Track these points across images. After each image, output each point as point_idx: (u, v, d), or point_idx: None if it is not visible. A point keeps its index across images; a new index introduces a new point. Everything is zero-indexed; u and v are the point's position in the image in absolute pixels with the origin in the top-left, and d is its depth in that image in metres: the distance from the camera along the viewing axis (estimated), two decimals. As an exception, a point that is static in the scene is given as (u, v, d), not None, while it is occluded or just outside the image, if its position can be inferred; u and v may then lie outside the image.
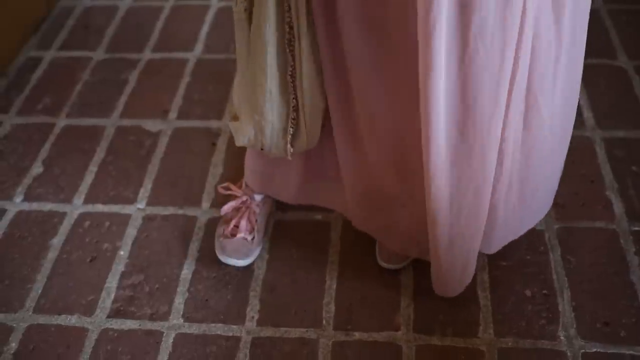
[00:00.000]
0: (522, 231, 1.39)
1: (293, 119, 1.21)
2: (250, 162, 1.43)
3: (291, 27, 1.10)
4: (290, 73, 1.15)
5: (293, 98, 1.19)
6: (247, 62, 1.19)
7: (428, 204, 1.14)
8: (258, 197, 1.47)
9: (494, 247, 1.35)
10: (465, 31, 0.98)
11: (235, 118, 1.31)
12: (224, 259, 1.41)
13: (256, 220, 1.45)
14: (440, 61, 0.98)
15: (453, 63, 1.00)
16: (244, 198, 1.45)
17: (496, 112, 1.05)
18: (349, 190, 1.35)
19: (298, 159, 1.35)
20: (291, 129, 1.22)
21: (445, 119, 1.05)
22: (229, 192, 1.48)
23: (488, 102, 1.04)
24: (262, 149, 1.27)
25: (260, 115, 1.20)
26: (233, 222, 1.43)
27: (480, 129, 1.06)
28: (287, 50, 1.13)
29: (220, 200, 1.55)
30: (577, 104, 1.29)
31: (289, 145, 1.24)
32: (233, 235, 1.42)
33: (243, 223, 1.43)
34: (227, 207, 1.46)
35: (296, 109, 1.20)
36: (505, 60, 1.01)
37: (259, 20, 1.10)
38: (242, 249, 1.41)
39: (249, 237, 1.42)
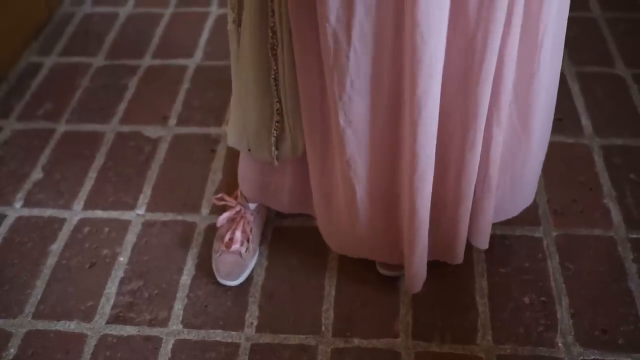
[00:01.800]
0: (510, 215, 1.42)
1: (277, 122, 1.22)
2: (243, 171, 1.44)
3: (274, 32, 1.11)
4: (273, 77, 1.17)
5: (277, 102, 1.20)
6: (236, 67, 1.21)
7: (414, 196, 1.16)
8: (252, 206, 1.47)
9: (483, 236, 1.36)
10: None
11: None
12: (219, 280, 1.42)
13: (251, 230, 1.45)
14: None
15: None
16: (238, 208, 1.46)
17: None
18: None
19: (290, 168, 1.35)
20: (275, 132, 1.23)
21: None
22: (223, 202, 1.49)
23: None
24: (249, 150, 1.28)
25: (245, 117, 1.22)
26: (228, 235, 1.43)
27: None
28: (270, 54, 1.14)
29: (219, 207, 1.56)
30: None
31: (273, 148, 1.25)
32: (228, 247, 1.42)
33: (238, 234, 1.43)
34: (221, 219, 1.46)
35: (280, 113, 1.21)
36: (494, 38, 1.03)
37: (245, 24, 1.12)
38: (235, 269, 1.42)
39: (244, 249, 1.43)
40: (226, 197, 1.49)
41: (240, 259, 1.42)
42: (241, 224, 1.44)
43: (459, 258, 1.36)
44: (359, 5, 0.98)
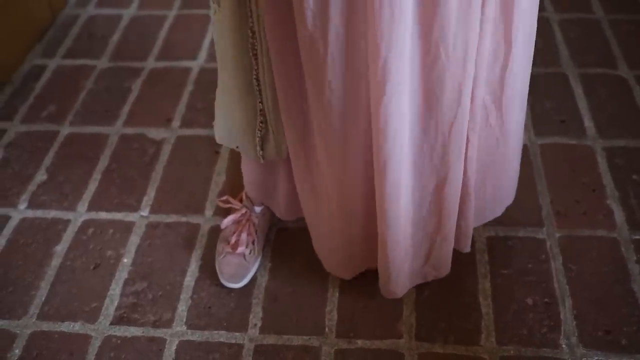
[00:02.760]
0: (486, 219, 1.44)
1: (261, 122, 1.22)
2: (244, 170, 1.45)
3: (254, 32, 1.11)
4: (255, 77, 1.17)
5: (259, 102, 1.20)
6: (218, 60, 1.21)
7: (383, 205, 1.16)
8: (257, 209, 1.47)
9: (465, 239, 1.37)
10: (428, 37, 1.00)
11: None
12: (223, 282, 1.42)
13: (256, 232, 1.45)
14: (404, 67, 1.00)
15: (416, 67, 1.03)
16: (244, 211, 1.46)
17: (459, 112, 1.08)
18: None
19: (282, 170, 1.35)
20: (259, 132, 1.23)
21: (410, 119, 1.08)
22: (228, 205, 1.49)
23: (450, 103, 1.07)
24: (237, 147, 1.29)
25: (231, 117, 1.23)
26: (234, 237, 1.43)
27: (442, 128, 1.10)
28: (251, 54, 1.14)
29: (222, 209, 1.56)
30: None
31: (258, 148, 1.25)
32: (234, 249, 1.42)
33: (244, 236, 1.43)
34: (227, 221, 1.46)
35: (263, 113, 1.21)
36: (467, 61, 1.04)
37: (224, 23, 1.12)
38: (239, 272, 1.42)
39: (248, 251, 1.43)
40: (231, 200, 1.49)
41: (244, 261, 1.42)
42: (247, 226, 1.44)
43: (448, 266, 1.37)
44: (333, 8, 0.97)
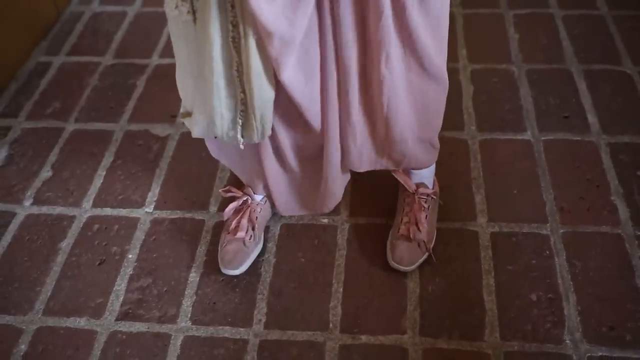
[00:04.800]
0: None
1: (242, 111, 1.23)
2: (232, 165, 1.47)
3: (234, 26, 1.12)
4: (236, 68, 1.17)
5: (240, 92, 1.21)
6: (190, 58, 1.21)
7: None
8: (258, 198, 1.49)
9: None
10: None
11: (186, 115, 1.32)
12: (223, 269, 1.43)
13: (257, 219, 1.47)
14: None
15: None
16: (245, 198, 1.48)
17: None
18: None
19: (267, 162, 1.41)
20: (240, 120, 1.25)
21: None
22: (230, 194, 1.51)
23: None
24: (215, 137, 1.30)
25: (210, 107, 1.23)
26: (234, 223, 1.45)
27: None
28: (232, 47, 1.15)
29: (226, 204, 1.57)
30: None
31: (239, 135, 1.27)
32: (233, 234, 1.44)
33: (244, 222, 1.45)
34: (228, 210, 1.48)
35: (244, 102, 1.22)
36: None
37: (203, 19, 1.12)
38: (238, 257, 1.43)
39: (248, 237, 1.44)
40: (233, 189, 1.51)
41: (243, 246, 1.44)
42: (247, 212, 1.46)
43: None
44: None
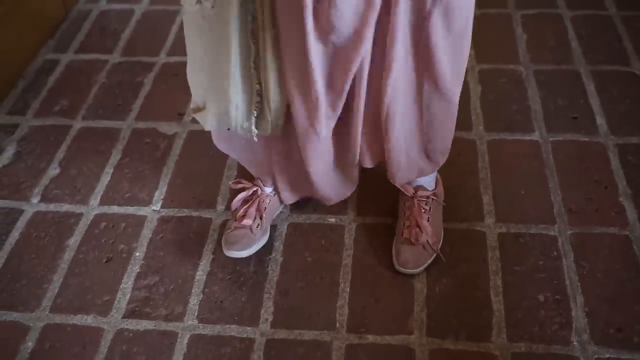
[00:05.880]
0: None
1: (257, 102, 1.24)
2: (241, 158, 1.47)
3: (254, 18, 1.13)
4: (253, 60, 1.18)
5: (257, 84, 1.22)
6: (206, 51, 1.20)
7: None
8: (268, 189, 1.49)
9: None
10: None
11: (197, 110, 1.32)
12: (226, 251, 1.43)
13: (265, 209, 1.47)
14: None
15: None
16: (254, 189, 1.49)
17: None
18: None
19: (275, 147, 1.40)
20: (255, 112, 1.25)
21: None
22: (240, 185, 1.51)
23: None
24: (228, 129, 1.30)
25: (226, 99, 1.23)
26: (242, 211, 1.46)
27: None
28: (251, 40, 1.16)
29: (233, 199, 1.57)
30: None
31: (253, 127, 1.27)
32: (240, 220, 1.44)
33: (251, 210, 1.46)
34: (236, 200, 1.49)
35: (260, 94, 1.23)
36: None
37: (222, 12, 1.13)
38: (243, 240, 1.43)
39: (255, 225, 1.45)
40: (243, 180, 1.52)
41: (249, 233, 1.44)
42: (256, 202, 1.47)
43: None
44: None
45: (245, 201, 1.49)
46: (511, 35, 2.04)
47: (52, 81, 1.98)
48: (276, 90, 1.22)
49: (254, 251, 1.45)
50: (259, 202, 1.47)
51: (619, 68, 1.91)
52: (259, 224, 1.46)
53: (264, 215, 1.47)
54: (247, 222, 1.44)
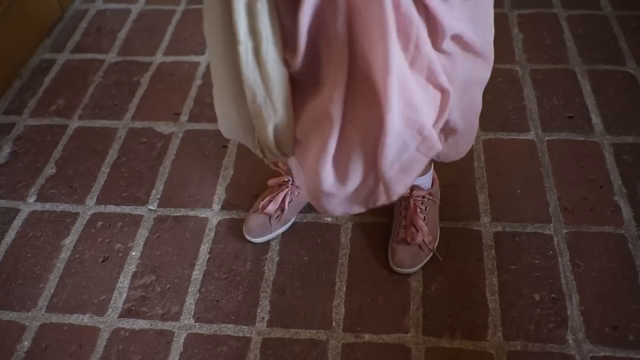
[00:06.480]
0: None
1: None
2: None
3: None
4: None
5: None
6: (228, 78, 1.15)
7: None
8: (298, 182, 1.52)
9: None
10: None
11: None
12: (244, 233, 1.50)
13: (290, 201, 1.51)
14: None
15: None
16: (286, 178, 1.52)
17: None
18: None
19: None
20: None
21: None
22: (276, 168, 1.55)
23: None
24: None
25: (227, 116, 1.18)
26: (267, 199, 1.50)
27: None
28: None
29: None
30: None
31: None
32: (262, 209, 1.49)
33: (272, 206, 1.49)
34: (272, 181, 1.53)
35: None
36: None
37: (213, 21, 1.11)
38: (259, 229, 1.49)
39: (275, 216, 1.49)
40: (280, 165, 1.54)
41: (268, 222, 1.49)
42: (282, 194, 1.50)
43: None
44: None
45: (279, 184, 1.53)
46: (507, 35, 2.05)
47: (48, 81, 1.98)
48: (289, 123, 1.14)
49: (267, 240, 1.50)
50: (285, 194, 1.50)
51: (614, 67, 1.91)
52: (278, 216, 1.50)
53: (285, 208, 1.50)
54: (268, 210, 1.49)
